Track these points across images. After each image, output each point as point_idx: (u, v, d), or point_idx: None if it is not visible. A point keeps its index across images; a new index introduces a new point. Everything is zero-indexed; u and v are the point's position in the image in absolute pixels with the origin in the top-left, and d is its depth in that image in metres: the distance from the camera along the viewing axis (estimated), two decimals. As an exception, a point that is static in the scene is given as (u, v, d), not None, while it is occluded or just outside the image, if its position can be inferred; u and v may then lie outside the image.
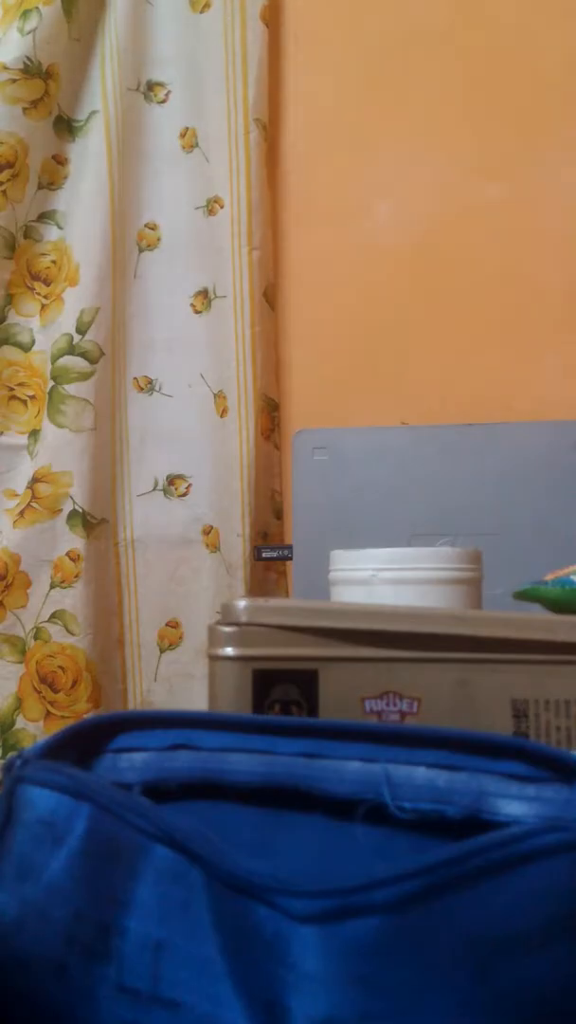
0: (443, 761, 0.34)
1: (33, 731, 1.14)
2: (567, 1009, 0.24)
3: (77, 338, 1.16)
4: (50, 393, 1.16)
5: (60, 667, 1.14)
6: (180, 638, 1.20)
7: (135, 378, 1.22)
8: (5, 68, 1.13)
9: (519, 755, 0.34)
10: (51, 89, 1.18)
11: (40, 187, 1.21)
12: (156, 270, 1.23)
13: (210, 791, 0.33)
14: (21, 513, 1.15)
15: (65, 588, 1.14)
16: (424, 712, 0.47)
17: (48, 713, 1.14)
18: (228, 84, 1.19)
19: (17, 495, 1.18)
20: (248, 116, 1.18)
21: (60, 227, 1.21)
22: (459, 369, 1.15)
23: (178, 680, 1.18)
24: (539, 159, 1.15)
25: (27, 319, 1.21)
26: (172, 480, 1.21)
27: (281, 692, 0.47)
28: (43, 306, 1.21)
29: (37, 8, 1.15)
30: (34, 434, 1.19)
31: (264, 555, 1.12)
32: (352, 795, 0.33)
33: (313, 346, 1.21)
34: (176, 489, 1.21)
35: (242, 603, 0.49)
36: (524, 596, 0.66)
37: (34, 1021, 0.26)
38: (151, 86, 1.23)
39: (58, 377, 1.16)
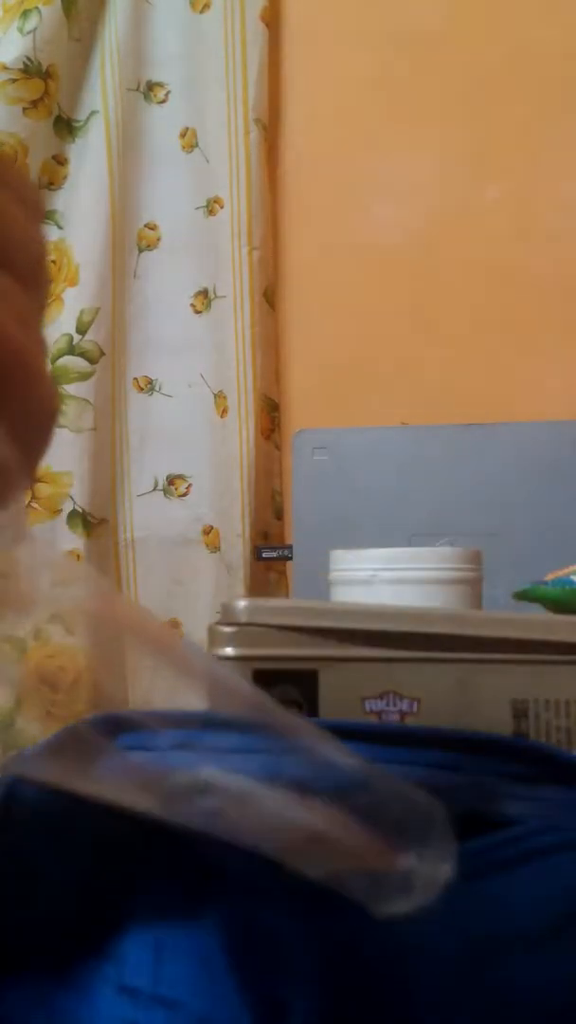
0: (443, 761, 0.34)
1: (33, 731, 1.14)
2: (567, 1009, 0.24)
3: (77, 338, 1.16)
4: (50, 393, 1.16)
5: (60, 667, 1.14)
6: (180, 638, 1.20)
7: (135, 378, 1.22)
8: (5, 68, 1.13)
9: (519, 755, 0.34)
10: (51, 89, 1.18)
11: (40, 187, 1.21)
12: (156, 270, 1.23)
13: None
14: (21, 513, 1.15)
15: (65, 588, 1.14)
16: (424, 712, 0.47)
17: (48, 713, 1.14)
18: (228, 84, 1.19)
19: (17, 495, 1.18)
20: (248, 116, 1.18)
21: (60, 227, 1.21)
22: (459, 369, 1.15)
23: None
24: (539, 159, 1.15)
25: (27, 319, 1.21)
26: (172, 480, 1.21)
27: (281, 692, 0.47)
28: (43, 306, 1.21)
29: (37, 8, 1.15)
30: (34, 434, 1.19)
31: (264, 555, 1.12)
32: (352, 795, 0.33)
33: (313, 346, 1.21)
34: (176, 489, 1.21)
35: (242, 603, 0.49)
36: (524, 596, 0.66)
37: (33, 1021, 0.26)
38: (151, 86, 1.23)
39: (58, 377, 1.16)
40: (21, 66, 1.14)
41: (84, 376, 1.16)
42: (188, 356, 1.22)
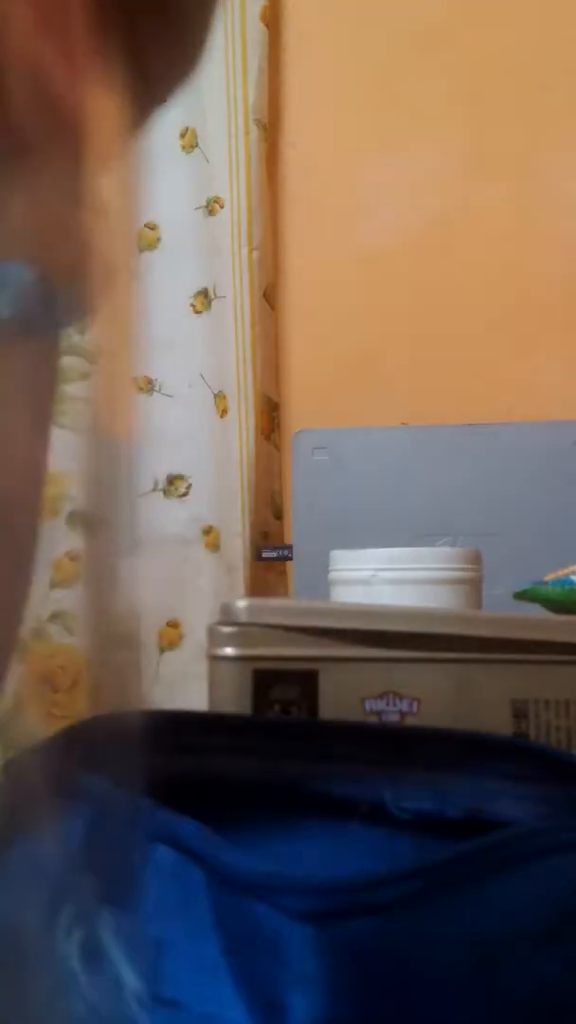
0: (443, 761, 0.34)
1: (33, 731, 1.14)
2: (569, 1009, 0.24)
3: (77, 338, 1.16)
4: (50, 393, 1.16)
5: (60, 667, 1.14)
6: (180, 638, 1.20)
7: (135, 378, 1.22)
8: (5, 68, 1.13)
9: (519, 755, 0.34)
10: (51, 89, 1.18)
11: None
12: (156, 270, 1.23)
13: (211, 791, 0.33)
14: (21, 513, 1.15)
15: (65, 588, 1.14)
16: (424, 712, 0.47)
17: (48, 713, 1.14)
18: (228, 84, 1.19)
19: (17, 495, 1.18)
20: (248, 116, 1.18)
21: (60, 227, 1.21)
22: (459, 369, 1.15)
23: (178, 680, 1.18)
24: (539, 159, 1.15)
25: (27, 319, 1.21)
26: (172, 480, 1.21)
27: (281, 692, 0.47)
28: (43, 306, 1.21)
29: (37, 8, 1.15)
30: (34, 434, 1.19)
31: (264, 555, 1.12)
32: (352, 795, 0.33)
33: (313, 346, 1.21)
34: (176, 489, 1.21)
35: (242, 603, 0.49)
36: (524, 596, 0.66)
37: (33, 1021, 0.26)
38: (151, 86, 1.23)
39: (58, 377, 1.16)
40: (21, 66, 1.14)
41: (84, 376, 1.16)
42: (188, 356, 1.21)
